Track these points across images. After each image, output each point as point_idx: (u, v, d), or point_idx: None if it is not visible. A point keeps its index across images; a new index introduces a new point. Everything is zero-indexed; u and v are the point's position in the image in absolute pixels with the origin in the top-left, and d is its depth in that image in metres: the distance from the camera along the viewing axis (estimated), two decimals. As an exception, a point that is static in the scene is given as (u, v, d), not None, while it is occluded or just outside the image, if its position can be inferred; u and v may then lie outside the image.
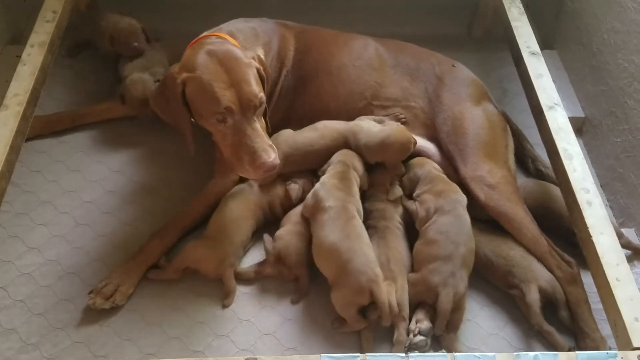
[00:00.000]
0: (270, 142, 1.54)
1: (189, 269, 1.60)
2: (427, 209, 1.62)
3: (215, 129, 1.53)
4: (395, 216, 1.66)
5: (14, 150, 1.56)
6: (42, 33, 1.82)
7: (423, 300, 1.51)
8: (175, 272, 1.59)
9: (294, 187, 1.70)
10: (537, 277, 1.53)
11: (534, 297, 1.50)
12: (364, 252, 1.51)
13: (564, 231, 1.66)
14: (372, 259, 1.51)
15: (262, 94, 1.52)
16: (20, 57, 1.75)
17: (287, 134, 1.75)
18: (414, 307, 1.53)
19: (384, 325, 1.49)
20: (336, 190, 1.61)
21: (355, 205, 1.62)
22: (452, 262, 1.50)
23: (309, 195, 1.65)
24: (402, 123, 1.79)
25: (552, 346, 1.49)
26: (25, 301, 1.57)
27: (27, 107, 1.63)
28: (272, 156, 1.49)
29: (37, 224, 1.74)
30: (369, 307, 1.49)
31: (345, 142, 1.74)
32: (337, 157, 1.71)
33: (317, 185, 1.65)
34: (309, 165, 1.76)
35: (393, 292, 1.48)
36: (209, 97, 1.48)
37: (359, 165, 1.71)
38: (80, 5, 2.16)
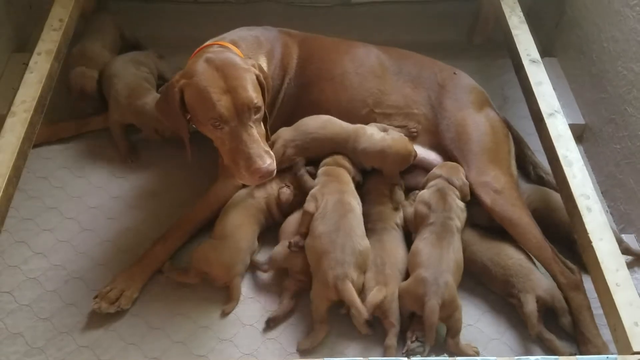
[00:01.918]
0: (268, 149, 1.55)
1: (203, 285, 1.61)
2: (414, 215, 1.65)
3: (213, 135, 1.56)
4: (392, 217, 1.68)
5: (21, 157, 1.58)
6: (49, 41, 1.84)
7: (413, 310, 1.51)
8: (197, 276, 1.60)
9: (286, 191, 1.72)
10: (535, 286, 1.53)
11: (531, 307, 1.50)
12: (344, 248, 1.51)
13: (563, 238, 1.67)
14: (349, 258, 1.50)
15: (259, 100, 1.54)
16: (27, 64, 1.77)
17: (284, 128, 1.78)
18: (410, 315, 1.53)
19: (361, 328, 1.50)
20: (330, 182, 1.64)
21: (352, 195, 1.63)
22: (434, 267, 1.50)
23: (308, 200, 1.65)
24: (413, 136, 1.81)
25: (552, 352, 1.50)
26: (31, 305, 1.59)
27: (34, 114, 1.65)
28: (267, 162, 1.51)
29: (42, 229, 1.76)
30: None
31: (344, 140, 1.75)
32: (324, 162, 1.74)
33: (312, 190, 1.67)
34: (309, 155, 1.76)
35: (379, 297, 1.49)
36: (205, 103, 1.50)
37: (347, 164, 1.73)
38: (86, 13, 2.19)
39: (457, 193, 1.66)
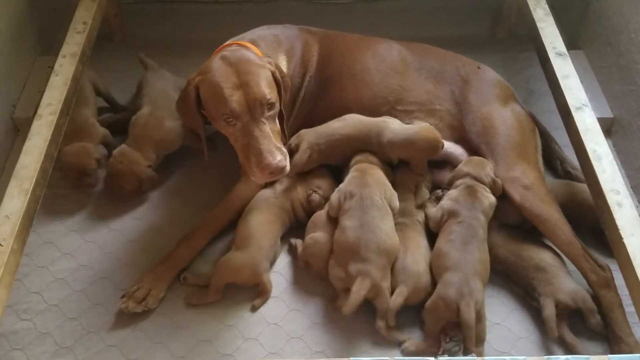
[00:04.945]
0: (280, 145, 1.54)
1: (228, 284, 1.60)
2: (442, 213, 1.62)
3: (226, 132, 1.56)
4: (415, 213, 1.67)
5: (48, 159, 1.61)
6: (73, 44, 1.87)
7: (447, 320, 1.46)
8: (217, 292, 1.59)
9: (315, 198, 1.71)
10: (555, 290, 1.50)
11: (549, 312, 1.48)
12: (368, 245, 1.50)
13: (592, 230, 1.63)
14: (371, 255, 1.49)
15: (272, 96, 1.53)
16: (53, 67, 1.80)
17: (306, 130, 1.78)
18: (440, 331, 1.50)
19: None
20: (355, 179, 1.64)
21: (378, 192, 1.60)
22: (462, 271, 1.48)
23: (334, 194, 1.65)
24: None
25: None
26: (59, 305, 1.61)
27: (60, 116, 1.67)
28: (277, 158, 1.49)
29: (69, 229, 1.78)
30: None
31: (367, 136, 1.73)
32: (353, 160, 1.73)
33: (341, 185, 1.67)
34: (334, 158, 1.76)
35: (399, 302, 1.49)
36: (218, 98, 1.51)
37: (375, 159, 1.72)
38: (109, 16, 2.22)
39: (487, 189, 1.63)
